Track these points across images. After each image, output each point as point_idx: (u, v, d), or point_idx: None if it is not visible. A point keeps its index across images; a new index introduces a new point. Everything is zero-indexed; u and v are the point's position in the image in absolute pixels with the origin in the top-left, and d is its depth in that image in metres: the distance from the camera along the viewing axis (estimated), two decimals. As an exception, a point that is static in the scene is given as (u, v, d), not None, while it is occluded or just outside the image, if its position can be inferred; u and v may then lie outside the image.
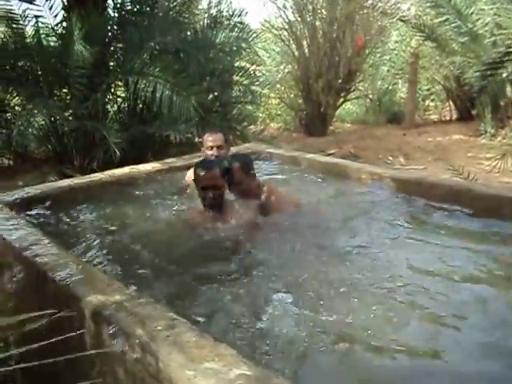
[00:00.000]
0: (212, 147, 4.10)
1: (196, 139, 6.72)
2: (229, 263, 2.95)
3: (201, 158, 3.97)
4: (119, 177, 4.19)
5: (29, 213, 3.49)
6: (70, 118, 6.54)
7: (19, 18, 6.89)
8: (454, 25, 9.11)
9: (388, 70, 11.94)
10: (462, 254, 3.05)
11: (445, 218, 3.50)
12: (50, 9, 6.83)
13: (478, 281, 2.78)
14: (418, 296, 2.60)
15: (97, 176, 4.17)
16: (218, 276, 2.78)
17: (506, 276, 2.78)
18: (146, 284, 2.61)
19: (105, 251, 3.06)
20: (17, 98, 6.91)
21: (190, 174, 4.39)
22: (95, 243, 3.16)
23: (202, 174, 3.35)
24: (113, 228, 3.44)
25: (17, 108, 6.82)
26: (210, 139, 4.14)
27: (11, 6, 6.88)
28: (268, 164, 4.91)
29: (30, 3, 6.79)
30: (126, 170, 4.37)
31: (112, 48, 7.09)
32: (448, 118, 11.33)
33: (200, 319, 2.31)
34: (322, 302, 2.52)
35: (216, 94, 7.59)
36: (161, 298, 2.30)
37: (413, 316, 2.46)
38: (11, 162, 8.31)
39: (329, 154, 8.20)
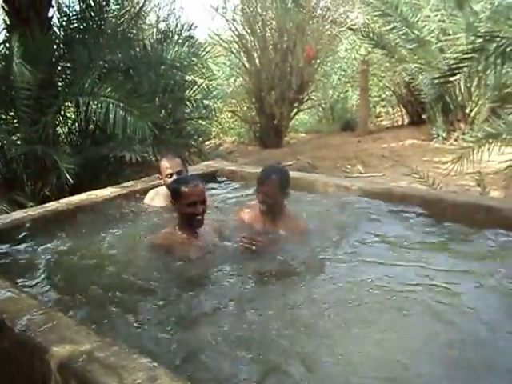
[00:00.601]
0: (171, 174, 3.92)
1: (152, 158, 6.55)
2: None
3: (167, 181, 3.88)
4: (76, 204, 3.98)
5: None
6: (19, 143, 6.28)
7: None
8: (401, 32, 9.23)
9: (339, 79, 12.03)
10: (438, 265, 3.00)
11: (417, 229, 3.46)
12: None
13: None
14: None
15: (52, 205, 3.95)
16: (206, 312, 2.66)
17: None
18: (120, 326, 2.42)
19: (67, 289, 2.85)
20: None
21: (150, 197, 4.27)
22: (56, 281, 2.96)
23: (189, 189, 3.21)
24: (74, 261, 3.23)
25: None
26: (168, 166, 3.96)
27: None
28: (231, 182, 4.79)
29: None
30: (83, 196, 4.16)
31: (59, 68, 6.84)
32: (400, 124, 11.46)
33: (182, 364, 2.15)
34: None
35: (169, 110, 7.42)
36: (137, 343, 2.13)
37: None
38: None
39: (286, 166, 8.13)
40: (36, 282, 2.95)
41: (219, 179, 4.94)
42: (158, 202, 4.18)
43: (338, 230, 3.59)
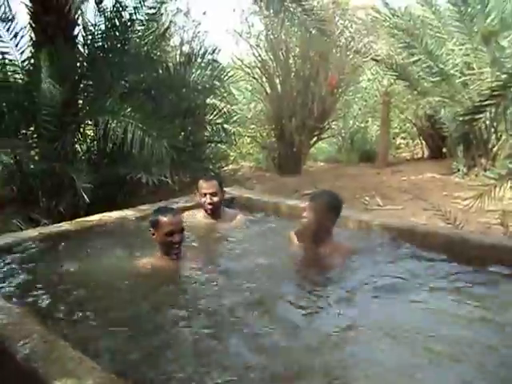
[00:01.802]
0: (205, 194, 4.32)
1: (169, 181, 6.50)
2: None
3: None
4: (87, 226, 3.91)
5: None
6: (37, 158, 6.27)
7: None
8: (425, 65, 9.17)
9: (360, 109, 11.95)
10: (460, 310, 2.86)
11: (439, 270, 3.32)
12: (17, 45, 6.59)
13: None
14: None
15: (63, 225, 3.89)
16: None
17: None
18: (126, 358, 2.32)
19: (74, 315, 2.78)
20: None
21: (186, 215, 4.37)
22: (61, 304, 2.89)
23: (167, 218, 3.37)
24: (79, 284, 3.16)
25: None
26: (204, 186, 4.35)
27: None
28: (249, 211, 4.72)
29: (-4, 40, 6.56)
30: (95, 218, 4.10)
31: (82, 86, 6.84)
32: (420, 156, 11.33)
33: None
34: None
35: (189, 133, 7.39)
36: (145, 375, 2.04)
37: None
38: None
39: (304, 195, 8.03)
40: (41, 304, 2.88)
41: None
42: (193, 219, 4.41)
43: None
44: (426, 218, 6.06)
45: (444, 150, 10.15)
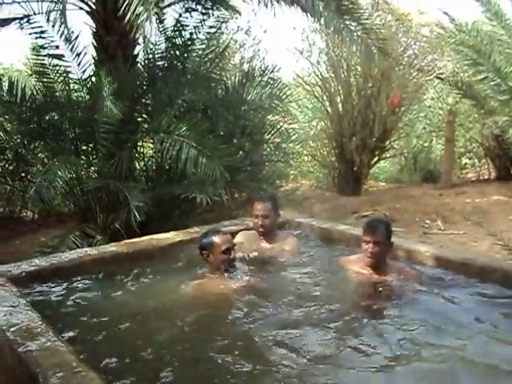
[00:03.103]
0: (257, 216, 4.30)
1: (224, 199, 6.47)
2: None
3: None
4: (136, 248, 3.89)
5: (34, 288, 3.20)
6: (94, 176, 6.37)
7: (50, 73, 6.85)
8: (493, 82, 8.82)
9: (424, 128, 11.64)
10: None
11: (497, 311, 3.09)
12: (79, 64, 6.74)
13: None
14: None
15: (111, 247, 3.89)
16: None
17: None
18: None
19: (112, 343, 2.72)
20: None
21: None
22: (100, 331, 2.83)
23: (220, 238, 3.57)
24: (120, 311, 3.12)
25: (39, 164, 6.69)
26: (257, 208, 4.32)
27: (43, 60, 6.86)
28: (298, 236, 4.61)
29: (60, 59, 6.72)
30: (144, 240, 4.08)
31: (140, 104, 6.92)
32: (486, 177, 10.90)
33: None
34: None
35: (246, 152, 7.34)
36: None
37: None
38: (36, 216, 8.24)
39: (363, 216, 7.84)
40: (79, 330, 2.83)
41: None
42: (244, 240, 4.41)
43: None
44: (489, 245, 5.77)
45: (512, 171, 9.75)
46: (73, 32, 6.73)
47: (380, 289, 3.45)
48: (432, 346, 2.74)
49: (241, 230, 4.61)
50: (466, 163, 11.82)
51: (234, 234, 4.36)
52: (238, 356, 2.62)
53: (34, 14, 6.69)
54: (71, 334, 2.74)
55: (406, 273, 3.58)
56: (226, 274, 3.55)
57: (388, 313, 3.24)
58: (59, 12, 6.43)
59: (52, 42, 6.72)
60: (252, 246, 4.34)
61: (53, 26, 6.64)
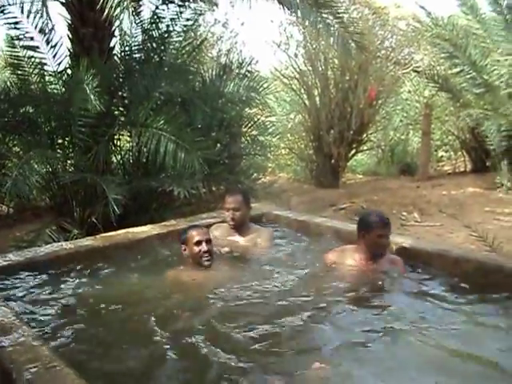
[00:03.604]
0: (228, 209, 4.29)
1: (202, 192, 6.46)
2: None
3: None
4: (112, 241, 3.87)
5: (8, 283, 3.16)
6: (70, 170, 6.30)
7: (24, 65, 6.75)
8: (468, 76, 8.91)
9: (401, 121, 11.73)
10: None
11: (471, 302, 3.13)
12: (54, 56, 6.65)
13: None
14: None
15: (86, 241, 3.86)
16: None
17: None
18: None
19: (83, 334, 2.70)
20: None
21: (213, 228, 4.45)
22: (75, 324, 2.82)
23: (194, 231, 3.71)
24: (97, 302, 3.11)
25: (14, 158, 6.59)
26: (228, 201, 4.31)
27: (18, 52, 6.75)
28: (275, 229, 4.63)
29: (34, 51, 6.62)
30: (120, 233, 4.06)
31: (117, 97, 6.86)
32: (462, 170, 11.02)
33: None
34: None
35: (224, 145, 7.32)
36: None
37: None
38: (11, 210, 8.13)
39: (340, 209, 7.89)
40: (54, 323, 2.83)
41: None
42: (217, 233, 4.40)
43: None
44: (465, 236, 5.84)
45: (487, 163, 9.85)
46: (48, 23, 6.63)
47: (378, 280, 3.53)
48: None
49: (218, 223, 4.61)
50: (442, 156, 11.94)
51: (209, 226, 4.39)
52: (206, 345, 2.63)
53: (9, 4, 6.58)
54: (45, 328, 2.72)
55: (397, 261, 3.71)
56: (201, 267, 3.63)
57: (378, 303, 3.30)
58: (40, 2, 6.33)
59: (27, 33, 6.60)
60: (225, 239, 4.37)
61: (27, 17, 6.54)
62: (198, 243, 3.62)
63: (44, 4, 6.08)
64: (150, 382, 2.35)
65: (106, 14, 5.85)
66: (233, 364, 2.47)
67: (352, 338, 2.80)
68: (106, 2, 4.80)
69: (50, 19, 6.62)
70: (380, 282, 3.51)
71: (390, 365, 2.54)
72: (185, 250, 3.71)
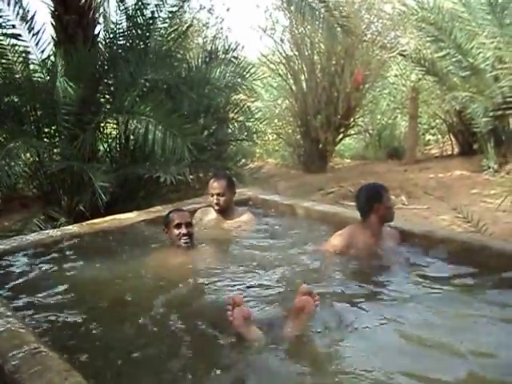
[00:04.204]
0: (213, 194, 4.37)
1: (190, 178, 6.47)
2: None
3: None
4: (98, 229, 3.88)
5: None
6: (57, 158, 6.28)
7: (8, 54, 6.68)
8: (454, 59, 8.92)
9: (388, 105, 11.74)
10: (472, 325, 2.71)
11: (455, 279, 3.17)
12: (37, 44, 6.59)
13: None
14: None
15: (73, 228, 3.86)
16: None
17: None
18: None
19: (73, 322, 2.71)
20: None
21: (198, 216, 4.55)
22: (61, 310, 2.83)
23: (175, 213, 3.79)
24: (83, 288, 3.14)
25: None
26: (212, 186, 4.39)
27: (1, 40, 6.68)
28: (263, 212, 4.65)
29: (17, 39, 6.56)
30: (106, 220, 4.07)
31: (102, 85, 6.82)
32: (449, 153, 11.04)
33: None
34: None
35: (211, 131, 7.31)
36: None
37: None
38: (-2, 200, 8.09)
39: (328, 193, 7.91)
40: (42, 310, 2.84)
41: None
42: (203, 217, 4.55)
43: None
44: (451, 219, 5.88)
45: (474, 146, 9.88)
46: (29, 11, 6.57)
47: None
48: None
49: (203, 207, 4.67)
50: (429, 139, 11.96)
51: (195, 211, 4.52)
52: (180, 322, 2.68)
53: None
54: (31, 315, 2.73)
55: (393, 234, 3.80)
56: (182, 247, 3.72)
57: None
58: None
59: (8, 20, 6.53)
60: (210, 223, 4.48)
61: (8, 5, 6.47)
62: (178, 226, 3.70)
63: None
64: (133, 362, 2.37)
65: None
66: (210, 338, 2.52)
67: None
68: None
69: (22, 6, 6.52)
70: (385, 260, 3.57)
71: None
72: (166, 232, 3.81)
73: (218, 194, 4.34)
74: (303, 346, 2.49)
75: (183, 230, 3.68)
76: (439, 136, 11.71)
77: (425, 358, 2.42)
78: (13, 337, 2.15)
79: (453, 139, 10.91)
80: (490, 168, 8.74)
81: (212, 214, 4.52)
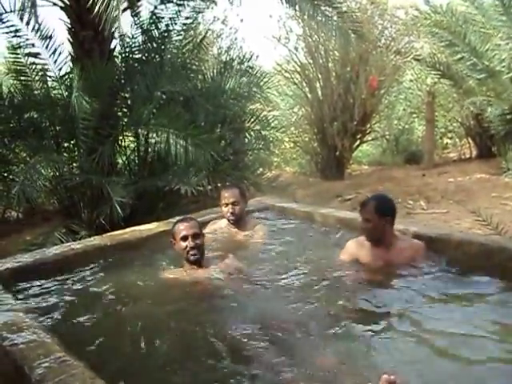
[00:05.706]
0: (227, 204, 4.30)
1: (208, 188, 6.50)
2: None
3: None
4: (118, 240, 3.92)
5: (19, 285, 3.22)
6: (76, 172, 6.37)
7: (27, 71, 6.82)
8: (469, 62, 8.88)
9: (404, 109, 11.72)
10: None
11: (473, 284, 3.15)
12: (55, 62, 6.72)
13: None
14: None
15: (94, 240, 3.91)
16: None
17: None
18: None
19: (94, 331, 2.75)
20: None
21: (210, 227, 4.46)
22: (86, 321, 2.87)
23: (181, 225, 3.52)
24: (106, 301, 3.16)
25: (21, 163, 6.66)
26: (225, 196, 4.33)
27: (20, 58, 6.82)
28: (281, 220, 4.65)
29: (36, 57, 6.70)
30: (126, 231, 4.11)
31: (119, 98, 6.91)
32: (468, 156, 11.00)
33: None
34: None
35: (228, 141, 7.36)
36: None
37: None
38: (20, 215, 8.19)
39: (346, 200, 7.91)
40: (65, 320, 2.88)
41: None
42: (219, 230, 4.45)
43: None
44: (471, 222, 5.84)
45: (493, 149, 9.82)
46: (48, 29, 6.70)
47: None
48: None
49: (213, 220, 4.64)
50: (447, 143, 11.93)
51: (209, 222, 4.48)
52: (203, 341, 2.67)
53: (5, 11, 6.63)
54: (55, 325, 2.77)
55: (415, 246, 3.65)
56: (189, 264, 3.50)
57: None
58: (29, 8, 6.38)
59: (27, 40, 6.68)
60: (224, 234, 4.40)
61: (27, 24, 6.61)
62: (184, 238, 3.44)
63: (33, 5, 6.11)
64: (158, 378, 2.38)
65: (100, 15, 5.90)
66: (235, 360, 2.49)
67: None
68: (101, 4, 4.83)
69: (38, 22, 6.63)
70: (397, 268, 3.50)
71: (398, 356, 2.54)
72: (174, 244, 3.56)
73: (232, 203, 4.28)
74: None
75: (190, 243, 3.42)
76: (457, 139, 11.66)
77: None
78: (38, 346, 2.19)
79: (471, 142, 10.88)
80: (509, 170, 8.67)
81: (224, 226, 4.45)
